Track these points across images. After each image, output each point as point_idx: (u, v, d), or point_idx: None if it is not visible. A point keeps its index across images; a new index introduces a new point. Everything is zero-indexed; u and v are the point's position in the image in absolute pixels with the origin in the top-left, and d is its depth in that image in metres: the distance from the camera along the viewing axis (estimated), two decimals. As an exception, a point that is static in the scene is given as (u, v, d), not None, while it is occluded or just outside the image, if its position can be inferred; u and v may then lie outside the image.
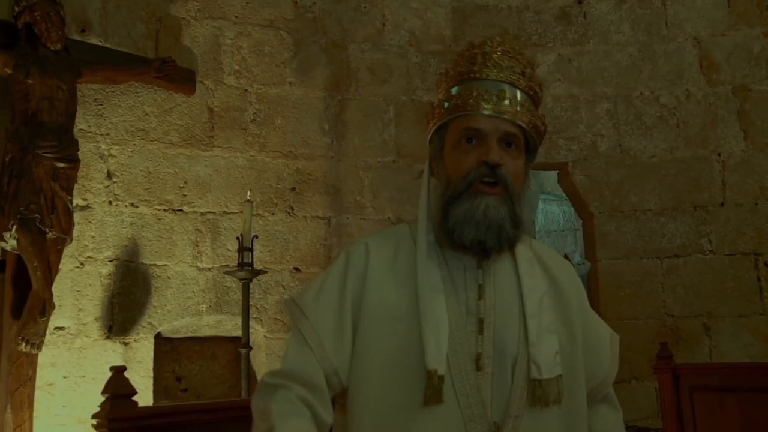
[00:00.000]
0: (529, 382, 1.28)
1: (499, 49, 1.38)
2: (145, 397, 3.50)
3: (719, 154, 4.48)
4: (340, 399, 1.36)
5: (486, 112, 1.32)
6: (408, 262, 1.37)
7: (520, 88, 1.37)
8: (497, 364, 1.29)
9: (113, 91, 3.72)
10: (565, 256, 6.77)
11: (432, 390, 1.23)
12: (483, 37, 1.42)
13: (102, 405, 1.99)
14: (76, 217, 3.33)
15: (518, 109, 1.34)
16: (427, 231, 1.38)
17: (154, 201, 3.81)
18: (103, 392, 2.02)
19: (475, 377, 1.28)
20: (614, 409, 1.52)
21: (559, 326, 1.36)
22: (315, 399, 1.28)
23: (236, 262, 3.58)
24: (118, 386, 1.99)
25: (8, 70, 3.13)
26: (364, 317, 1.32)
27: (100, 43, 3.63)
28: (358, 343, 1.32)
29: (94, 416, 1.99)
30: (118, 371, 2.01)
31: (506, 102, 1.33)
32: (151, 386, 3.66)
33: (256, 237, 3.63)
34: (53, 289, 3.10)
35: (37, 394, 3.09)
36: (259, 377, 3.95)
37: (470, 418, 1.26)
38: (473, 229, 1.30)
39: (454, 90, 1.39)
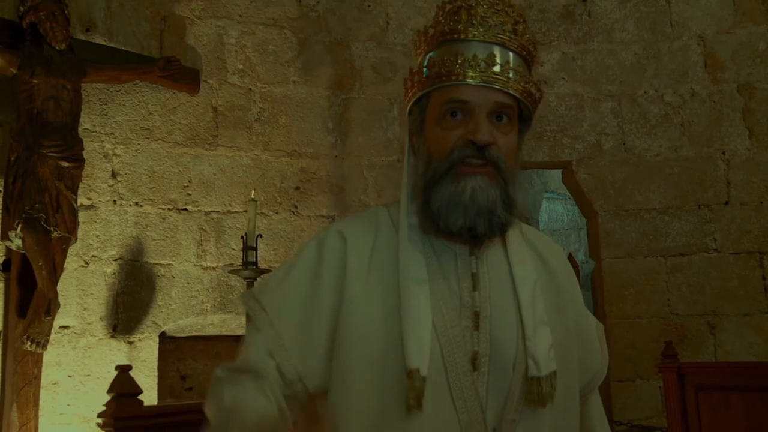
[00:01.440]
0: (527, 380, 1.15)
1: (486, 1, 1.19)
2: (149, 396, 3.50)
3: (724, 153, 4.47)
4: (308, 409, 1.20)
5: (473, 82, 1.15)
6: (389, 250, 1.20)
7: (512, 50, 1.19)
8: (494, 362, 1.16)
9: (118, 91, 3.72)
10: (569, 255, 6.77)
11: (414, 393, 1.07)
12: None
13: (108, 404, 1.99)
14: (81, 216, 3.34)
15: (510, 75, 1.16)
16: (409, 214, 1.21)
17: (158, 200, 3.82)
18: (109, 391, 2.02)
19: (472, 378, 1.14)
20: (596, 393, 1.41)
21: (552, 316, 1.21)
22: (270, 388, 1.13)
23: (240, 261, 3.58)
24: (123, 385, 1.99)
25: (13, 70, 3.14)
26: (344, 317, 1.15)
27: (104, 43, 3.63)
28: (337, 346, 1.14)
29: (99, 415, 1.99)
30: (123, 370, 2.02)
31: (496, 68, 1.16)
32: (156, 385, 3.67)
33: (260, 236, 3.63)
34: (58, 288, 3.11)
35: (42, 393, 3.10)
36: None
37: (467, 424, 1.12)
38: (461, 215, 1.14)
39: (434, 54, 1.20)
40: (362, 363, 1.13)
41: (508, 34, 1.18)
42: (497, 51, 1.17)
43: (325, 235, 1.24)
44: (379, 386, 1.12)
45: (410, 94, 1.25)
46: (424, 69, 1.21)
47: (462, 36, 1.18)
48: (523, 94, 1.19)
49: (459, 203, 1.15)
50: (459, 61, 1.16)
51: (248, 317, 1.22)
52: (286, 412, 1.14)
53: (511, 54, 1.18)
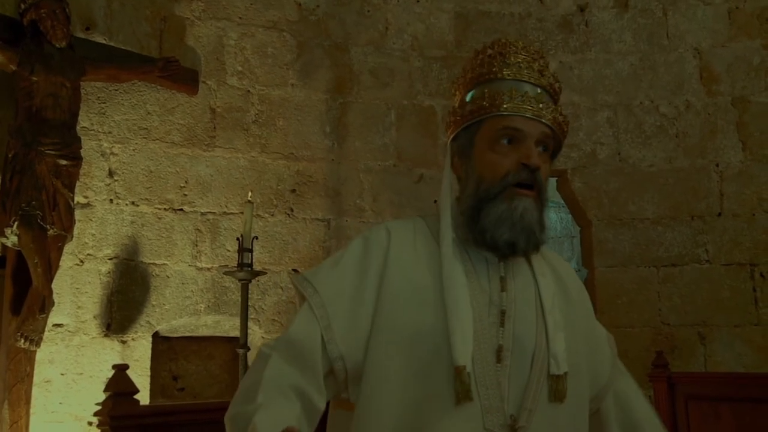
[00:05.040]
0: (549, 377, 1.29)
1: (526, 51, 1.39)
2: (141, 396, 3.46)
3: (717, 165, 4.50)
4: (343, 392, 1.32)
5: (528, 115, 1.32)
6: (426, 252, 1.35)
7: (550, 93, 1.39)
8: (516, 358, 1.29)
9: (116, 90, 3.72)
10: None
11: (462, 387, 1.21)
12: (514, 40, 1.42)
13: (104, 403, 1.99)
14: (77, 214, 3.33)
15: (552, 112, 1.35)
16: (450, 226, 1.36)
17: (154, 200, 3.82)
18: (106, 390, 2.02)
19: (495, 370, 1.27)
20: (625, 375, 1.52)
21: (566, 325, 1.36)
22: (307, 382, 1.25)
23: (235, 262, 3.58)
24: (120, 384, 1.99)
25: (13, 67, 3.14)
26: (386, 303, 1.30)
27: (104, 42, 3.63)
28: (377, 329, 1.29)
29: (95, 414, 1.99)
30: (120, 369, 2.02)
31: (542, 105, 1.34)
32: (148, 385, 3.66)
33: (256, 238, 3.63)
34: (53, 286, 3.10)
35: (35, 390, 3.09)
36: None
37: (488, 410, 1.25)
38: (508, 230, 1.29)
39: (488, 89, 1.36)
40: (405, 348, 1.26)
41: (546, 78, 1.38)
42: (541, 91, 1.36)
43: (372, 231, 1.40)
44: (420, 372, 1.25)
45: (459, 121, 1.39)
46: (477, 100, 1.36)
47: (513, 76, 1.35)
48: (558, 129, 1.37)
49: (508, 220, 1.30)
50: (514, 95, 1.33)
51: (302, 297, 1.34)
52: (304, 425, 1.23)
53: (548, 95, 1.38)
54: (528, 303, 1.35)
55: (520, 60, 1.36)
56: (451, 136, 1.42)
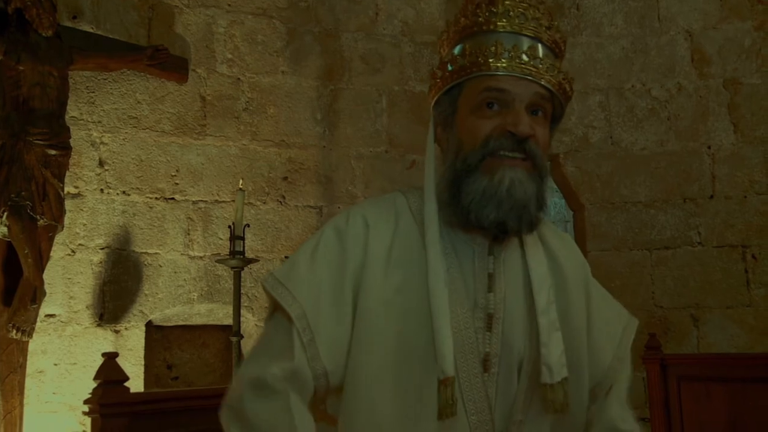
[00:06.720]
0: (541, 386, 1.13)
1: (528, 0, 1.17)
2: (136, 385, 3.50)
3: (709, 147, 4.50)
4: (320, 404, 1.19)
5: (514, 72, 1.11)
6: (408, 243, 1.17)
7: (547, 45, 1.17)
8: (503, 364, 1.15)
9: (105, 79, 3.70)
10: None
11: (446, 401, 1.07)
12: None
13: (94, 391, 1.99)
14: (68, 204, 3.32)
15: (548, 69, 1.14)
16: (435, 210, 1.17)
17: (145, 189, 3.81)
18: (95, 378, 2.02)
19: (482, 379, 1.14)
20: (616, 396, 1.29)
21: (561, 320, 1.19)
22: (312, 416, 1.12)
23: (228, 250, 3.57)
24: (110, 372, 1.99)
25: (-1, 56, 3.12)
26: (365, 311, 1.13)
27: (92, 30, 3.61)
28: (357, 340, 1.13)
29: (86, 402, 1.99)
30: (110, 357, 2.02)
31: (535, 61, 1.12)
32: (142, 374, 3.67)
33: (248, 226, 3.63)
34: (44, 276, 3.10)
35: (28, 381, 3.09)
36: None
37: (476, 426, 1.13)
38: (494, 208, 1.09)
39: (470, 43, 1.15)
40: (380, 358, 1.12)
41: (544, 29, 1.16)
42: (535, 44, 1.15)
43: (347, 219, 1.20)
44: (399, 385, 1.12)
45: (439, 84, 1.20)
46: (458, 58, 1.16)
47: (501, 27, 1.14)
48: (558, 89, 1.16)
49: (494, 196, 1.10)
50: (498, 51, 1.12)
51: (274, 304, 1.18)
52: None
53: (547, 49, 1.17)
54: (518, 301, 1.18)
55: (509, 7, 1.15)
56: (432, 102, 1.23)
